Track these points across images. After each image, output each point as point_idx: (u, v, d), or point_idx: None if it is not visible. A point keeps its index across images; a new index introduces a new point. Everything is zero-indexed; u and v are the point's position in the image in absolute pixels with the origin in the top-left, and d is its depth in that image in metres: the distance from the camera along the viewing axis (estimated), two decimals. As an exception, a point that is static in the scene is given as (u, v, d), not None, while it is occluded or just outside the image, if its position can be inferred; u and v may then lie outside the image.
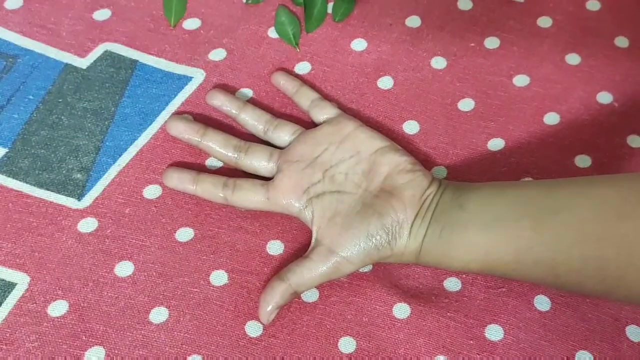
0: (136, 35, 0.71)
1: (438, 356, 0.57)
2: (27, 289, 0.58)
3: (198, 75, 0.69)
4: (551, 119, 0.68)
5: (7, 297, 0.57)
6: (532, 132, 0.67)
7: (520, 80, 0.70)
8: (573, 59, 0.71)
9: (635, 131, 0.67)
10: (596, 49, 0.72)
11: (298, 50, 0.71)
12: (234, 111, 0.66)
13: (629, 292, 0.53)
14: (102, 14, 0.72)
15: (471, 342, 0.57)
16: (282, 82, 0.69)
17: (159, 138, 0.66)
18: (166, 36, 0.72)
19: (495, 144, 0.67)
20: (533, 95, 0.69)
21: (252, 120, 0.66)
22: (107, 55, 0.70)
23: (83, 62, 0.69)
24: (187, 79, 0.69)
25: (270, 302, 0.56)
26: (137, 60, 0.70)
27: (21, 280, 0.58)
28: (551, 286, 0.59)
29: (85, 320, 0.57)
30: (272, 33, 0.72)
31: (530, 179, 0.65)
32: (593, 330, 0.58)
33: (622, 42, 0.72)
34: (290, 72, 0.70)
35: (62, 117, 0.66)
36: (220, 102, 0.67)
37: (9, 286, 0.58)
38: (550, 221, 0.54)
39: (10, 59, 0.69)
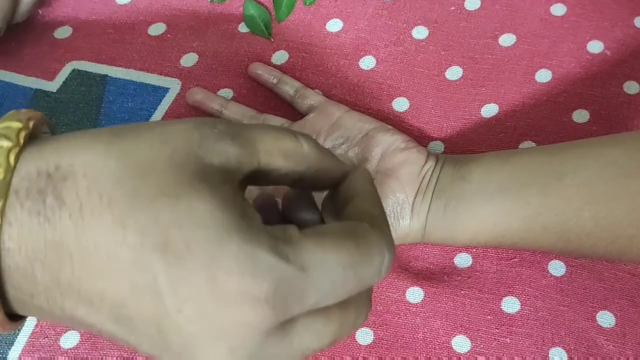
0: (102, 49, 0.78)
1: (457, 336, 0.63)
2: (37, 324, 0.65)
3: (174, 85, 0.75)
4: (543, 76, 0.74)
5: (18, 335, 0.64)
6: (525, 93, 0.73)
7: (507, 40, 0.76)
8: (558, 9, 0.77)
9: (630, 77, 0.73)
10: (581, -4, 0.78)
11: (272, 40, 0.78)
12: (216, 108, 0.72)
13: None
14: (63, 32, 0.79)
15: (489, 317, 0.64)
16: (261, 72, 0.74)
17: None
18: (133, 45, 0.78)
19: (489, 110, 0.73)
20: (521, 53, 0.75)
21: (237, 117, 0.71)
22: (76, 74, 0.76)
23: (53, 85, 0.76)
24: (163, 91, 0.75)
25: None
26: (107, 75, 0.76)
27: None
28: (562, 253, 0.65)
29: (98, 347, 0.64)
30: (243, 28, 0.78)
31: (529, 142, 0.71)
32: (611, 289, 0.64)
33: (607, -16, 0.78)
34: (267, 64, 0.76)
35: (43, 146, 0.73)
36: (202, 96, 0.73)
37: (18, 324, 0.66)
38: (557, 185, 0.59)
39: (-23, 92, 0.76)
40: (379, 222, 0.41)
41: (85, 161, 0.37)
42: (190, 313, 0.35)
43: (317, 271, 0.37)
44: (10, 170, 0.37)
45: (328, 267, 0.37)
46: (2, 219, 0.36)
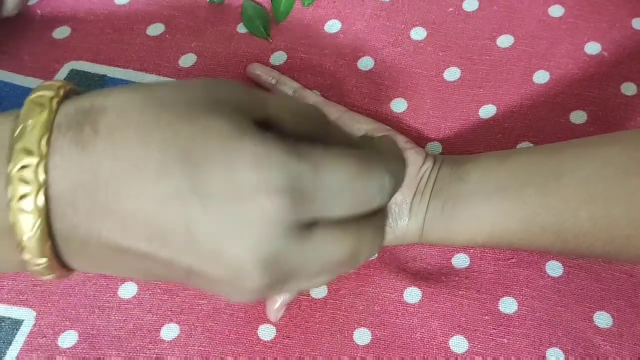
0: (100, 49, 0.78)
1: (454, 336, 0.64)
2: (35, 324, 0.65)
3: (173, 85, 0.76)
4: (540, 77, 0.74)
5: (16, 334, 0.65)
6: (523, 94, 0.74)
7: (505, 41, 0.77)
8: (556, 10, 0.78)
9: (628, 78, 0.74)
10: (579, -3, 0.78)
11: (270, 40, 0.78)
12: None
13: (639, 251, 0.59)
14: (62, 32, 0.79)
15: (486, 317, 0.64)
16: (259, 73, 0.75)
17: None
18: (131, 45, 0.78)
19: (487, 110, 0.73)
20: (519, 54, 0.76)
21: None
22: (74, 75, 0.77)
23: (51, 85, 0.77)
24: (162, 90, 0.76)
25: (277, 300, 0.63)
26: (105, 75, 0.77)
27: (27, 316, 0.66)
28: (559, 253, 0.66)
29: (96, 347, 0.64)
30: (241, 28, 0.79)
31: (527, 142, 0.71)
32: (608, 290, 0.65)
33: (605, -14, 0.78)
34: (266, 65, 0.76)
35: (43, 146, 0.74)
36: None
37: (17, 323, 0.65)
38: (555, 185, 0.60)
39: (-24, 92, 0.76)
40: (385, 154, 0.45)
41: (115, 100, 0.42)
42: (214, 213, 0.39)
43: (326, 172, 0.40)
44: (53, 113, 0.42)
45: (336, 171, 0.41)
46: (48, 149, 0.41)
